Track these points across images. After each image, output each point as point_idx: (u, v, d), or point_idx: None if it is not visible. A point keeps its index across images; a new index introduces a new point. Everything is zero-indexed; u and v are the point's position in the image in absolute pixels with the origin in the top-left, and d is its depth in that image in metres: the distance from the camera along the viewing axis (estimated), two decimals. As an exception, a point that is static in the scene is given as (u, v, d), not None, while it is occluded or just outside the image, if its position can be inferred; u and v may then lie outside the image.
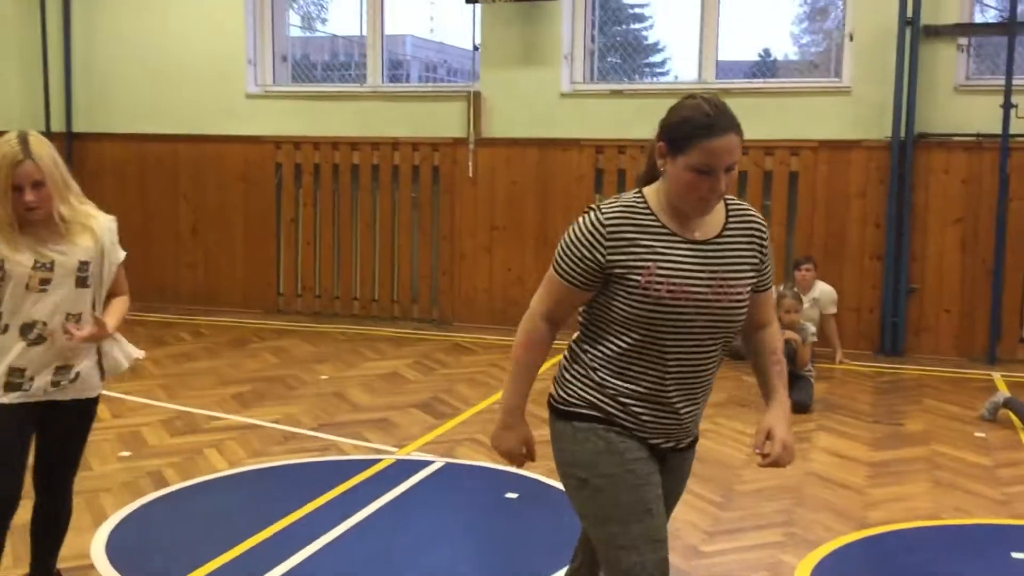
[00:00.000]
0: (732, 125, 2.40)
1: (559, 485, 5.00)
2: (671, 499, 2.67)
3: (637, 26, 9.10)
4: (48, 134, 9.69)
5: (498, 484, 4.93)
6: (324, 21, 10.67)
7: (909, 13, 7.65)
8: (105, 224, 3.32)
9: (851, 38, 8.04)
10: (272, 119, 9.38)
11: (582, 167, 8.56)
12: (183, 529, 4.42)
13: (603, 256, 2.45)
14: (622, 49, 8.98)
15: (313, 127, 9.27)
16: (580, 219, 2.51)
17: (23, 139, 3.13)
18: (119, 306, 3.40)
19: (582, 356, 2.56)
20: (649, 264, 2.44)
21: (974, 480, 5.12)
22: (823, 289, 7.54)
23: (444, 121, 8.88)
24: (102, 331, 3.27)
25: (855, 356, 7.78)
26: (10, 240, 3.17)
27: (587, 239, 2.47)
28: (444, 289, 8.99)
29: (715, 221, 2.53)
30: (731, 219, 2.56)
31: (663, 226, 2.48)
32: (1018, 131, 7.50)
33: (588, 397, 2.54)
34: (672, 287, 2.43)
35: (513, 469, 5.06)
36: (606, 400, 2.52)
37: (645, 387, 2.49)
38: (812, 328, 6.55)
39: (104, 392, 3.54)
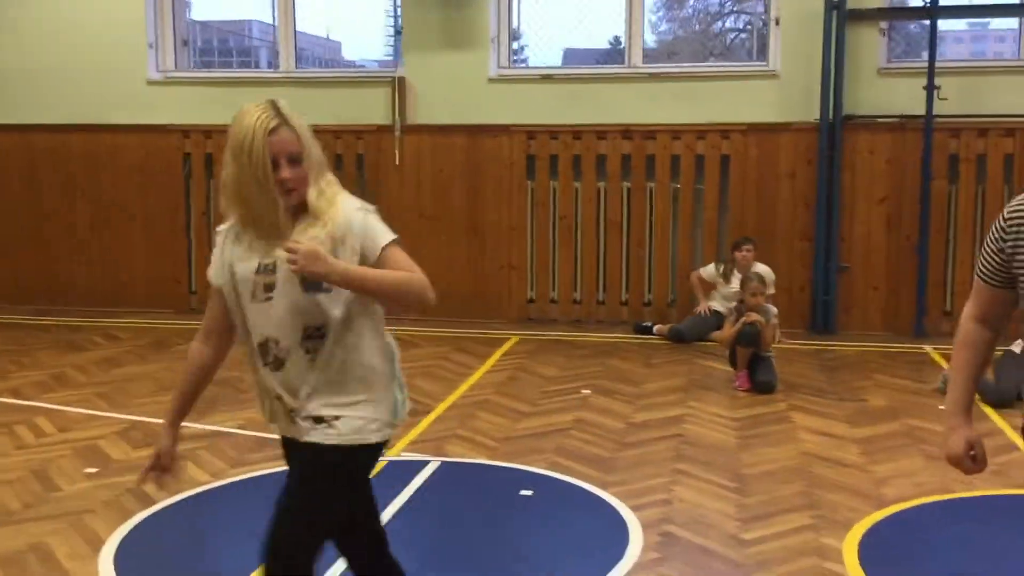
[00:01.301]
0: None
1: (573, 480, 4.94)
2: None
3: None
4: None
5: (508, 482, 4.77)
6: (188, 6, 10.18)
7: (835, -3, 7.81)
8: (347, 210, 2.49)
9: (777, 22, 8.15)
10: (176, 107, 8.86)
11: (513, 154, 8.41)
12: (193, 550, 4.08)
13: (1002, 249, 2.35)
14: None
15: (222, 115, 8.74)
16: None
17: (273, 103, 2.47)
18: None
19: None
20: None
21: (960, 452, 5.23)
22: (762, 270, 7.63)
23: (366, 108, 8.58)
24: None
25: (789, 335, 7.89)
26: (272, 234, 2.46)
27: (991, 233, 2.39)
28: (370, 281, 8.68)
29: None
30: None
31: None
32: (940, 112, 7.76)
33: None
34: None
35: (525, 467, 4.98)
36: None
37: None
38: (774, 310, 6.62)
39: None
